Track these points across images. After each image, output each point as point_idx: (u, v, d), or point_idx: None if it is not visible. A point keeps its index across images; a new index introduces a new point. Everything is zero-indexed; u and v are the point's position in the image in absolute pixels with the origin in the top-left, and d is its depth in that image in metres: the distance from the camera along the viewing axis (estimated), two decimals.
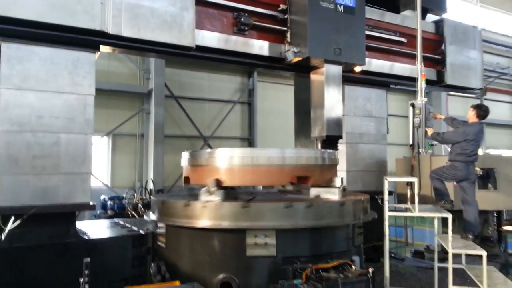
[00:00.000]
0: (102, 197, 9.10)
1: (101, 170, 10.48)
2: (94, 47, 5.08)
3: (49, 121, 4.76)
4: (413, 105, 5.83)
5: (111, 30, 4.87)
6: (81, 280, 3.50)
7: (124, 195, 9.39)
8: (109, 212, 8.49)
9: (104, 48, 5.27)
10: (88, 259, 3.57)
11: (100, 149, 10.40)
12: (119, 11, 4.90)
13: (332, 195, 5.00)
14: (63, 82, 4.87)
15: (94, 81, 5.08)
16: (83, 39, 4.87)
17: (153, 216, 5.09)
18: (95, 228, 5.53)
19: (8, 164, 4.55)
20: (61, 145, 4.80)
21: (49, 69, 4.80)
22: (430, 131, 5.82)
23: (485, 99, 18.83)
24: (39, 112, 4.72)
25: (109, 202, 8.74)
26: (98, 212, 8.57)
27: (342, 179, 5.37)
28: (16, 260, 4.48)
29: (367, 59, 6.66)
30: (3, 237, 4.56)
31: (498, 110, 19.76)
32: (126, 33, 4.96)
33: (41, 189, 4.67)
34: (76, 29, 4.73)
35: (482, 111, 5.66)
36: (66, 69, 4.89)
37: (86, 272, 3.46)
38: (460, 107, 16.36)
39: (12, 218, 4.56)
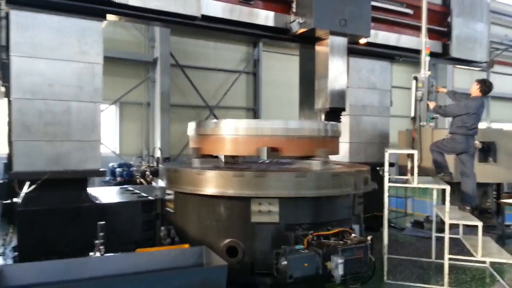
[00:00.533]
0: (111, 164, 9.33)
1: (109, 137, 10.67)
2: (101, 15, 5.13)
3: (60, 89, 4.88)
4: (416, 78, 5.87)
5: None
6: (96, 241, 3.72)
7: (132, 162, 9.64)
8: (118, 179, 8.75)
9: (111, 17, 5.31)
10: (103, 222, 3.77)
11: (108, 117, 10.55)
12: None
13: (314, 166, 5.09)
14: (72, 50, 4.96)
15: (102, 50, 5.15)
16: (91, 7, 4.93)
17: (162, 183, 5.28)
18: (106, 194, 5.75)
19: (22, 130, 4.72)
20: (72, 113, 4.95)
21: (58, 37, 4.88)
22: (432, 105, 5.89)
23: (492, 71, 18.62)
24: (50, 80, 4.84)
25: (117, 169, 8.98)
26: (107, 178, 8.81)
27: (325, 151, 5.38)
28: (32, 222, 4.71)
29: (372, 31, 6.63)
30: (19, 200, 4.78)
31: (505, 83, 19.55)
32: (133, 1, 4.99)
33: (54, 155, 4.86)
34: None
35: (486, 86, 5.70)
36: (75, 38, 4.97)
37: (101, 234, 3.67)
38: (466, 80, 16.24)
39: (27, 183, 4.76)
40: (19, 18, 4.68)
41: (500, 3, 18.60)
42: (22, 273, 3.30)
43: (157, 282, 3.18)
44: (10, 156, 5.18)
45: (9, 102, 4.89)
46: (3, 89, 5.16)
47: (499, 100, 19.04)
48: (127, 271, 3.49)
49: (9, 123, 4.96)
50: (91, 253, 3.84)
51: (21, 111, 4.72)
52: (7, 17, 4.76)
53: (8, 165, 5.39)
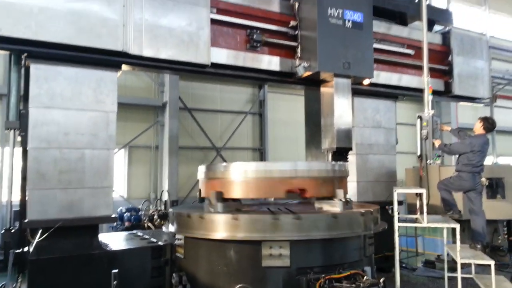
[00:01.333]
0: (119, 208, 9.36)
1: (118, 181, 10.76)
2: (117, 66, 5.36)
3: (74, 137, 5.03)
4: (420, 118, 6.00)
5: (132, 50, 5.15)
6: None
7: (140, 207, 9.67)
8: (126, 223, 8.75)
9: (126, 67, 5.55)
10: (117, 271, 3.79)
11: (117, 161, 10.69)
12: (139, 33, 5.18)
13: (333, 207, 5.14)
14: (87, 100, 5.14)
15: (116, 99, 5.34)
16: (107, 59, 5.16)
17: (171, 228, 5.31)
18: (116, 240, 5.76)
19: (37, 179, 4.82)
20: (86, 160, 5.06)
21: (74, 88, 5.07)
22: (437, 143, 5.98)
23: (496, 106, 18.85)
24: (65, 129, 4.99)
25: (126, 214, 9.00)
26: (115, 223, 8.80)
27: (343, 191, 5.45)
28: (44, 271, 4.71)
29: (375, 72, 6.85)
30: (31, 249, 4.80)
31: (508, 117, 19.67)
32: (146, 53, 5.24)
33: (67, 203, 4.93)
34: (100, 50, 5.02)
35: (489, 123, 5.80)
36: (90, 88, 5.16)
37: (115, 283, 3.68)
38: (470, 115, 16.38)
39: (40, 231, 4.81)
40: (38, 71, 4.91)
41: (500, 39, 19.10)
42: None
43: None
44: (22, 204, 5.27)
45: (25, 151, 5.04)
46: (19, 138, 5.32)
47: (504, 134, 19.08)
48: None
49: (23, 172, 5.07)
50: None
51: (37, 160, 4.84)
52: (27, 70, 5.00)
53: (21, 213, 5.47)
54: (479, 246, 5.48)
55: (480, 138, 5.75)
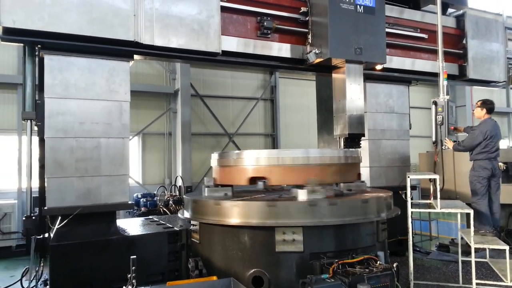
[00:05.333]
0: (135, 194, 9.55)
1: (133, 168, 10.95)
2: (129, 56, 5.41)
3: (90, 127, 5.13)
4: (435, 103, 5.94)
5: (144, 40, 5.18)
6: (129, 275, 3.84)
7: (155, 192, 9.85)
8: (142, 209, 8.92)
9: (137, 57, 5.59)
10: (135, 256, 3.90)
11: (131, 148, 10.85)
12: (150, 22, 5.21)
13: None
14: (101, 89, 5.21)
15: (129, 88, 5.41)
16: (119, 49, 5.20)
17: (186, 214, 5.41)
18: (133, 225, 5.91)
19: (54, 168, 4.95)
20: (101, 148, 5.17)
21: (88, 78, 5.14)
22: (450, 145, 5.92)
23: (511, 88, 18.45)
24: (80, 119, 5.09)
25: (142, 200, 9.18)
26: (132, 209, 9.00)
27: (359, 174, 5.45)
28: (65, 256, 4.89)
29: (388, 57, 6.77)
30: (52, 235, 4.97)
31: None
32: (158, 42, 5.26)
33: (84, 190, 5.07)
34: (112, 41, 5.06)
35: (489, 104, 5.79)
36: (103, 78, 5.23)
37: (133, 268, 3.79)
38: (485, 96, 16.03)
39: (59, 218, 4.96)
40: (52, 62, 4.99)
41: None
42: None
43: None
44: (41, 192, 5.43)
45: (42, 140, 5.16)
46: (36, 128, 5.44)
47: None
48: None
49: (41, 160, 5.21)
50: (123, 287, 3.95)
51: (54, 149, 4.96)
52: (41, 61, 5.09)
53: (40, 200, 5.63)
54: (488, 228, 5.47)
55: (488, 123, 5.71)
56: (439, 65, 6.12)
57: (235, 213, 4.71)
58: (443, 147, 5.97)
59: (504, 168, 6.60)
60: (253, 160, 5.20)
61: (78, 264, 4.92)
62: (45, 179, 4.98)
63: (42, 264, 5.40)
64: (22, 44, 5.14)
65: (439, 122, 5.86)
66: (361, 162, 5.94)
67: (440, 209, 5.19)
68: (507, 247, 4.77)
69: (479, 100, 6.16)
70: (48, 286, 5.24)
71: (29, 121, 5.19)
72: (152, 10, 5.21)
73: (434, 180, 5.41)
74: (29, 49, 5.14)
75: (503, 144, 15.13)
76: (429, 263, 7.00)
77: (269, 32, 6.16)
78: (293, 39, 6.43)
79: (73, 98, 5.06)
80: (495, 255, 5.80)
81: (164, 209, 8.77)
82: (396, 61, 7.38)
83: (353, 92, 6.37)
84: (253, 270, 4.57)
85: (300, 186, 5.00)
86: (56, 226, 4.90)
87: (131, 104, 5.43)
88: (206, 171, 11.45)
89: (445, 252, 7.60)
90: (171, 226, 5.75)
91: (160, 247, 5.36)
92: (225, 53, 5.83)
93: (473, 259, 4.82)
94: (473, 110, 6.13)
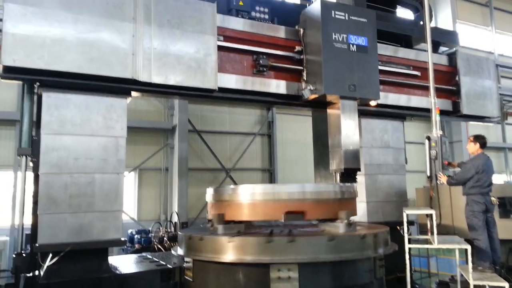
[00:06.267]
0: (130, 230, 9.41)
1: (128, 204, 10.85)
2: (126, 93, 5.51)
3: (84, 162, 5.14)
4: (428, 138, 6.01)
5: (141, 77, 5.29)
6: None
7: (150, 228, 9.71)
8: (136, 245, 8.77)
9: (135, 93, 5.70)
10: None
11: (127, 184, 10.81)
12: (148, 61, 5.34)
13: (336, 229, 5.08)
14: (97, 126, 5.27)
15: (126, 124, 5.47)
16: (117, 86, 5.31)
17: (180, 251, 5.32)
18: (125, 263, 5.80)
19: (48, 204, 4.92)
20: (96, 184, 5.16)
21: (84, 114, 5.21)
22: (444, 179, 5.96)
23: (507, 123, 18.68)
24: (75, 154, 5.11)
25: (136, 236, 9.04)
26: (125, 246, 8.84)
27: (347, 212, 5.38)
28: None
29: (382, 93, 6.90)
30: (41, 273, 4.86)
31: None
32: (155, 79, 5.37)
33: (77, 227, 5.00)
34: (110, 78, 5.17)
35: (482, 139, 5.88)
36: (100, 114, 5.30)
37: None
38: (480, 132, 15.99)
39: (50, 255, 4.87)
40: (50, 99, 5.07)
41: (509, 57, 19.14)
42: None
43: None
44: (34, 228, 5.35)
45: (37, 176, 5.15)
46: (31, 164, 5.45)
47: None
48: None
49: (35, 196, 5.18)
50: None
51: (48, 185, 4.95)
52: (39, 98, 5.17)
53: (32, 237, 5.55)
54: (486, 264, 5.38)
55: (481, 158, 5.77)
56: (431, 101, 6.23)
57: (229, 250, 4.63)
58: (437, 182, 5.98)
59: (497, 202, 6.56)
60: (248, 195, 5.17)
61: None
62: (38, 215, 4.93)
63: None
64: (21, 82, 5.24)
65: (433, 157, 5.90)
66: (358, 197, 5.92)
67: (438, 244, 5.13)
68: (506, 284, 4.69)
69: (472, 135, 6.26)
70: None
71: (24, 157, 5.21)
72: (150, 50, 5.36)
73: (431, 215, 5.38)
74: (28, 86, 5.25)
75: (499, 179, 15.11)
76: None
77: (265, 69, 6.31)
78: (289, 76, 6.57)
79: (68, 134, 5.11)
80: None
81: (159, 245, 8.61)
82: (391, 97, 7.51)
83: (348, 128, 6.45)
84: None
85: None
86: (47, 264, 4.81)
87: (128, 140, 5.47)
88: (203, 206, 11.35)
89: None
90: (164, 263, 5.65)
91: (152, 285, 5.25)
92: (222, 89, 5.95)
93: None
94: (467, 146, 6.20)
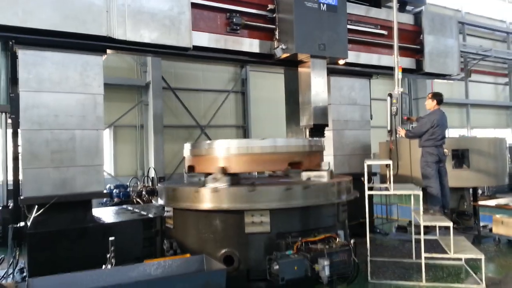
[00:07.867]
0: (108, 185, 9.68)
1: (105, 160, 11.01)
2: (102, 51, 5.61)
3: (64, 119, 5.31)
4: (390, 95, 6.43)
5: (116, 35, 5.37)
6: (108, 255, 4.12)
7: (128, 183, 10.02)
8: (115, 199, 9.09)
9: (110, 51, 5.79)
10: (113, 238, 4.19)
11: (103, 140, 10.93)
12: (123, 18, 5.40)
13: (321, 177, 5.58)
14: (75, 83, 5.40)
15: (103, 81, 5.61)
16: (92, 44, 5.39)
17: (161, 201, 5.70)
18: (108, 214, 6.14)
19: (30, 159, 5.12)
20: (76, 140, 5.37)
21: (61, 72, 5.31)
22: (402, 132, 6.45)
23: (470, 80, 19.52)
24: (55, 112, 5.26)
25: (114, 191, 9.34)
26: (104, 200, 9.15)
27: (329, 163, 5.98)
28: (42, 243, 5.08)
29: (350, 52, 7.21)
30: (29, 223, 5.15)
31: (482, 91, 20.40)
32: (130, 37, 5.46)
33: (60, 180, 5.26)
34: (85, 36, 5.24)
35: (439, 96, 6.38)
36: (77, 72, 5.41)
37: (112, 248, 4.08)
38: (445, 88, 16.95)
39: (36, 207, 5.14)
40: (26, 56, 5.13)
41: (475, 16, 19.58)
42: (47, 285, 3.68)
43: (166, 287, 3.60)
44: (17, 183, 5.57)
45: (16, 133, 5.29)
46: (9, 120, 5.57)
47: (478, 107, 19.83)
48: (138, 279, 3.89)
49: (16, 153, 5.35)
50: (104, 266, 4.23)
51: (30, 141, 5.12)
52: (14, 55, 5.21)
53: (15, 191, 5.77)
54: (436, 208, 6.05)
55: (436, 114, 6.29)
56: (394, 60, 6.60)
57: (209, 199, 5.03)
58: (397, 135, 6.49)
59: (449, 154, 7.14)
60: (223, 150, 5.51)
61: (55, 251, 5.12)
62: (21, 170, 5.14)
63: (18, 252, 5.55)
64: None
65: (394, 113, 6.36)
66: (325, 151, 6.38)
67: (393, 191, 5.70)
68: (451, 224, 5.35)
69: (430, 93, 6.75)
70: (24, 274, 5.43)
71: (3, 114, 5.31)
72: (124, 6, 5.40)
73: (389, 165, 5.92)
74: (2, 43, 5.25)
75: (455, 133, 16.05)
76: (388, 242, 7.58)
77: (238, 28, 6.46)
78: (262, 35, 6.76)
79: (47, 92, 5.22)
80: (447, 233, 6.38)
81: (137, 199, 8.97)
82: (358, 56, 7.84)
83: (318, 85, 6.79)
84: (225, 250, 4.93)
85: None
86: (33, 215, 5.08)
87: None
88: (179, 163, 11.69)
89: (403, 233, 8.21)
90: (145, 213, 6.01)
91: (135, 234, 5.62)
92: (196, 48, 6.09)
93: (422, 236, 5.35)
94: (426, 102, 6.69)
